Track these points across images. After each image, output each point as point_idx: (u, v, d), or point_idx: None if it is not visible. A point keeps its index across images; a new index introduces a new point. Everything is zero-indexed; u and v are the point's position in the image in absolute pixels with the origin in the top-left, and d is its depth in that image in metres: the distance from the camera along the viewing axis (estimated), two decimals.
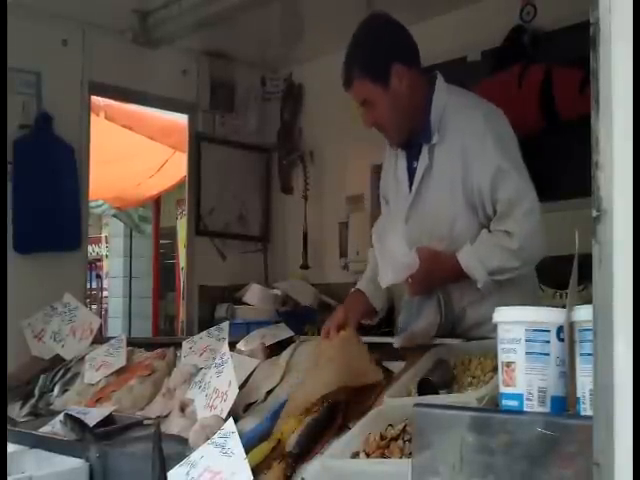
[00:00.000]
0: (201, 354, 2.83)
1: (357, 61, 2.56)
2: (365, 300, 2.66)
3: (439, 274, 2.48)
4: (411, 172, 2.62)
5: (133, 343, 3.30)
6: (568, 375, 1.44)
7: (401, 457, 1.75)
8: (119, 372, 3.07)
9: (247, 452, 1.88)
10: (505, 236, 2.42)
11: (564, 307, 1.44)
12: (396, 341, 2.47)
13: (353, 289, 2.77)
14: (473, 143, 2.47)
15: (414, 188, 2.59)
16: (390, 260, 2.38)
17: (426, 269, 2.40)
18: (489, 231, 2.47)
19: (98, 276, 10.33)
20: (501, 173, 2.43)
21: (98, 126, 5.33)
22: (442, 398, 1.87)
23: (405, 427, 1.80)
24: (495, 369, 1.72)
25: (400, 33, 2.63)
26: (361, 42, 2.61)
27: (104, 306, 10.20)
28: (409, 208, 2.61)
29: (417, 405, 1.62)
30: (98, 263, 10.83)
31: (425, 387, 1.97)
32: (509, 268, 2.42)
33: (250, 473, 1.81)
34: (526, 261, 2.47)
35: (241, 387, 2.27)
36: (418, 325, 2.52)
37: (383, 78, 2.51)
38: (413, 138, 2.60)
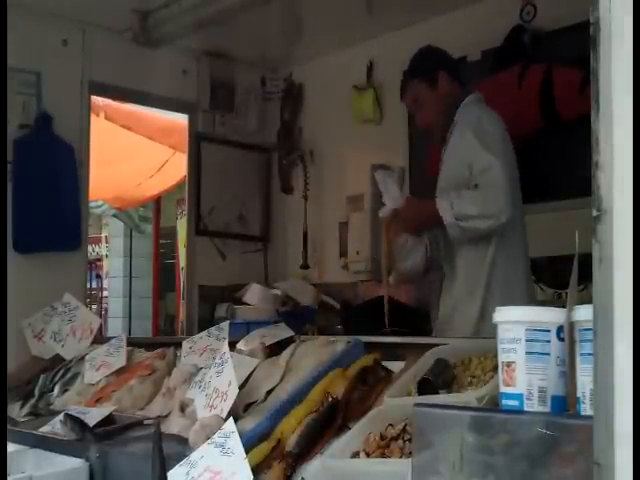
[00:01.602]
0: (201, 354, 2.83)
1: (412, 71, 3.27)
2: None
3: (422, 215, 3.10)
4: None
5: (133, 343, 3.30)
6: (568, 375, 1.44)
7: (401, 457, 1.75)
8: (119, 372, 3.07)
9: (247, 452, 1.88)
10: (474, 189, 2.97)
11: (564, 307, 1.44)
12: (391, 278, 3.08)
13: None
14: (466, 138, 3.06)
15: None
16: (386, 195, 3.13)
17: (412, 211, 3.10)
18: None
19: (98, 276, 10.32)
20: (476, 151, 2.99)
21: (98, 126, 5.33)
22: (442, 398, 1.87)
23: (405, 427, 1.80)
24: (495, 369, 1.72)
25: (446, 56, 3.31)
26: (416, 59, 3.29)
27: (104, 306, 10.19)
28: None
29: (417, 405, 1.62)
30: (98, 263, 10.82)
31: (425, 387, 1.97)
32: (470, 215, 2.92)
33: (250, 473, 1.81)
34: (485, 212, 2.92)
35: (241, 387, 2.27)
36: (406, 263, 3.10)
37: (432, 81, 3.19)
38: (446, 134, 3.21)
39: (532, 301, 3.13)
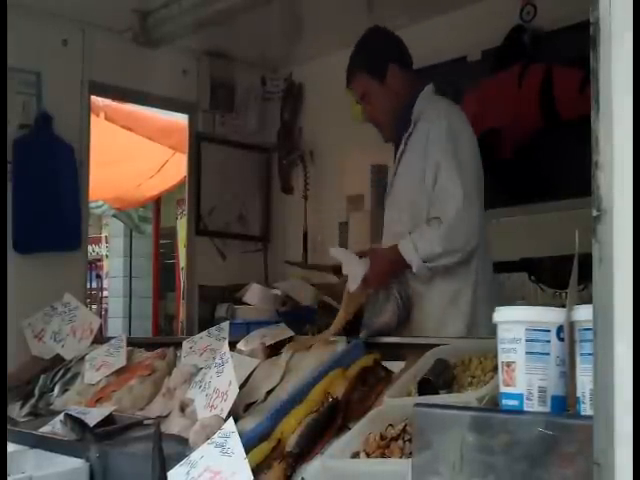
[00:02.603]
0: (201, 354, 2.83)
1: (359, 60, 2.99)
2: None
3: (388, 267, 2.84)
4: (394, 158, 3.03)
5: (133, 343, 3.30)
6: (568, 375, 1.44)
7: (401, 457, 1.75)
8: (119, 372, 3.07)
9: (247, 452, 1.88)
10: (435, 223, 2.75)
11: (564, 307, 1.44)
12: (362, 335, 2.74)
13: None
14: (430, 142, 2.82)
15: (394, 170, 3.01)
16: (348, 267, 2.85)
17: (377, 266, 2.81)
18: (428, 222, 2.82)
19: (98, 276, 10.33)
20: (442, 169, 2.75)
21: (98, 126, 5.33)
22: (442, 398, 1.87)
23: (405, 427, 1.80)
24: (495, 369, 1.72)
25: (397, 41, 3.04)
26: (363, 45, 3.04)
27: (104, 306, 10.20)
28: (391, 186, 3.02)
29: (417, 405, 1.62)
30: (98, 263, 10.83)
31: (425, 387, 1.97)
32: (437, 254, 2.73)
33: (250, 473, 1.81)
34: (451, 248, 2.74)
35: (241, 387, 2.27)
36: (380, 319, 2.81)
37: (380, 74, 2.94)
38: (399, 133, 2.96)
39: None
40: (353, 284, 2.81)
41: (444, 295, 2.86)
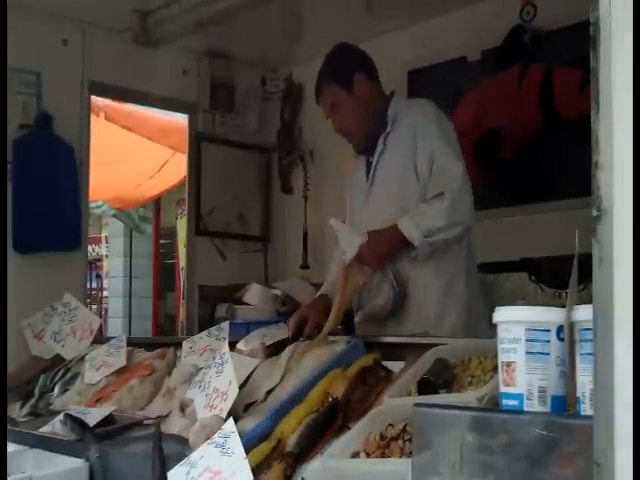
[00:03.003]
0: (201, 354, 2.83)
1: (326, 72, 3.08)
2: (328, 302, 2.88)
3: (387, 247, 2.85)
4: (368, 167, 3.06)
5: (133, 343, 3.30)
6: (568, 375, 1.44)
7: (401, 457, 1.75)
8: (119, 372, 3.07)
9: (247, 452, 1.88)
10: (436, 199, 2.80)
11: (564, 307, 1.44)
12: (357, 318, 2.85)
13: (317, 294, 3.11)
14: (420, 129, 2.90)
15: (370, 175, 3.03)
16: (345, 239, 2.84)
17: (375, 246, 2.80)
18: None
19: (98, 276, 10.33)
20: (438, 151, 2.84)
21: (98, 127, 5.33)
22: (442, 398, 1.87)
23: (405, 427, 1.80)
24: (495, 369, 1.72)
25: (362, 54, 3.14)
26: (330, 59, 3.14)
27: (104, 306, 10.20)
28: (367, 195, 3.04)
29: (417, 405, 1.62)
30: (98, 263, 10.83)
31: (425, 387, 1.97)
32: (439, 227, 2.77)
33: (250, 473, 1.81)
34: (454, 220, 2.79)
35: (241, 387, 2.27)
36: (375, 302, 2.88)
37: (347, 84, 3.00)
38: (373, 143, 3.01)
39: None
40: (350, 253, 2.77)
41: (439, 279, 2.90)
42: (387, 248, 2.85)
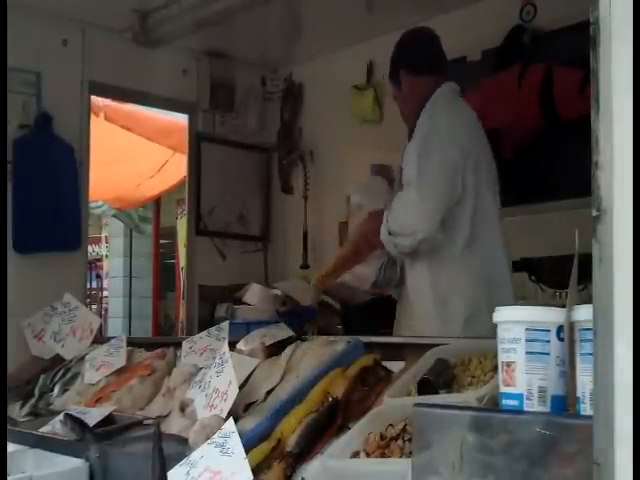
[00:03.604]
0: (201, 354, 2.83)
1: (389, 72, 3.34)
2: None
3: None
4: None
5: (133, 343, 3.30)
6: (568, 375, 1.44)
7: (401, 457, 1.75)
8: (119, 372, 3.07)
9: (247, 452, 1.88)
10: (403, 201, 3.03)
11: (564, 307, 1.44)
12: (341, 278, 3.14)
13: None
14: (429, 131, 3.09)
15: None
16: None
17: (373, 225, 3.07)
18: None
19: (98, 276, 10.33)
20: (418, 159, 3.04)
21: (98, 127, 5.33)
22: (442, 398, 1.87)
23: (405, 427, 1.80)
24: (495, 369, 1.72)
25: (403, 50, 3.30)
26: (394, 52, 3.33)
27: (104, 306, 10.20)
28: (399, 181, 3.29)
29: (417, 405, 1.62)
30: (98, 263, 10.84)
31: (425, 387, 1.97)
32: (394, 232, 2.97)
33: (250, 473, 1.81)
34: (396, 230, 2.97)
35: (241, 387, 2.27)
36: (361, 270, 3.18)
37: (397, 82, 3.28)
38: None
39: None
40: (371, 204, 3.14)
41: (433, 287, 3.04)
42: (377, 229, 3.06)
